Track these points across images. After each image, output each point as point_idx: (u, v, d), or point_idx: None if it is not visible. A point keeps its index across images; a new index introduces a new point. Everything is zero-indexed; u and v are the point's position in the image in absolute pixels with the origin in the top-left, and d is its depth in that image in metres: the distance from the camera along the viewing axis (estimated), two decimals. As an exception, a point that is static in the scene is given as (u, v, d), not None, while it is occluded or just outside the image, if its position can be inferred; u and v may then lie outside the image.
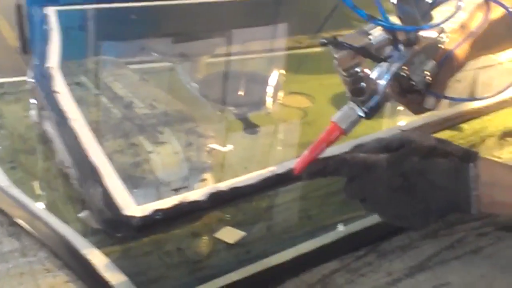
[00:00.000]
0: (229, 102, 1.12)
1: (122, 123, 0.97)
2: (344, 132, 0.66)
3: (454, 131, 1.00)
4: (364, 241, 0.73)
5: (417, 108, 0.76)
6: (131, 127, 0.95)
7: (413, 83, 0.70)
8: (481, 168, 0.61)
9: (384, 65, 0.68)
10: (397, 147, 0.64)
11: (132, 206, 0.72)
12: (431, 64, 0.72)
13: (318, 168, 0.65)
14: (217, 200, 0.73)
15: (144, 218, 0.70)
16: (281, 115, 1.14)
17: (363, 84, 0.65)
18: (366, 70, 0.66)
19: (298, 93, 1.22)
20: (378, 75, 0.67)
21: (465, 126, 1.04)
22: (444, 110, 0.83)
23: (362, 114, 0.66)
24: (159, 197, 0.76)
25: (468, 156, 0.63)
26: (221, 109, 1.10)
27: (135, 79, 1.16)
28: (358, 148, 0.67)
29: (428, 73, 0.72)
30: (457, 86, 0.77)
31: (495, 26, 0.75)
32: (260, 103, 1.13)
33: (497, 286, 0.67)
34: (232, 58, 1.39)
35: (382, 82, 0.66)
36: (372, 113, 0.66)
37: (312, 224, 0.78)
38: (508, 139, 1.00)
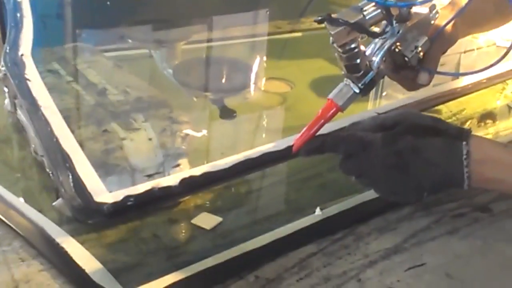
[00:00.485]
0: (205, 88, 1.12)
1: (95, 110, 0.96)
2: (341, 109, 0.68)
3: (432, 113, 1.02)
4: (342, 224, 0.74)
5: (410, 84, 0.79)
6: (104, 114, 0.94)
7: (406, 59, 0.72)
8: (473, 145, 0.63)
9: (378, 41, 0.70)
10: (392, 125, 0.66)
11: (103, 193, 0.72)
12: (423, 40, 0.74)
13: (316, 145, 0.67)
14: (190, 185, 0.74)
15: (115, 204, 0.70)
16: (259, 100, 1.14)
17: (358, 60, 0.67)
18: (362, 47, 0.67)
19: (277, 78, 1.22)
20: (372, 51, 0.69)
21: (443, 108, 1.05)
22: (420, 92, 0.84)
23: (357, 90, 0.68)
24: (133, 184, 0.76)
25: (461, 134, 0.65)
26: (197, 95, 1.10)
27: (110, 66, 1.15)
28: (354, 125, 0.69)
29: (421, 49, 0.73)
30: (441, 69, 0.79)
31: (483, 4, 0.79)
32: (238, 89, 1.13)
33: (473, 266, 0.68)
34: (210, 44, 1.38)
35: (376, 59, 0.68)
36: (367, 89, 0.68)
37: (290, 209, 0.79)
38: (488, 121, 1.02)
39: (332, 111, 0.68)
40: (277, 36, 1.48)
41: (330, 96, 0.68)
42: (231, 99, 1.09)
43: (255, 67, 1.25)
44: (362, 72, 0.67)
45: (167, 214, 0.76)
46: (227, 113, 1.01)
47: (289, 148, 0.76)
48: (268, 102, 1.13)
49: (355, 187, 0.83)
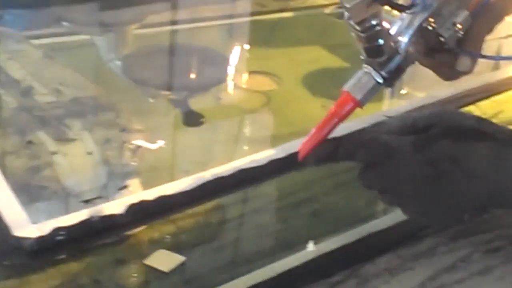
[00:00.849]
0: (164, 85, 1.13)
1: (17, 115, 0.96)
2: (360, 104, 0.68)
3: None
4: (341, 263, 0.74)
5: (448, 72, 0.79)
6: (29, 120, 0.94)
7: (442, 39, 0.72)
8: None
9: (406, 17, 0.70)
10: (426, 127, 0.67)
11: (25, 225, 0.72)
12: (463, 14, 0.74)
13: (328, 151, 0.67)
14: (140, 214, 0.74)
15: (41, 239, 0.70)
16: (236, 101, 1.14)
17: (381, 41, 0.67)
18: (385, 24, 0.67)
19: (260, 72, 1.23)
20: (399, 30, 0.69)
21: (473, 109, 1.06)
22: (442, 90, 0.85)
23: (380, 79, 0.68)
24: (67, 213, 0.76)
25: None
26: (153, 94, 1.10)
27: (38, 56, 1.15)
28: (377, 127, 0.71)
29: (460, 26, 0.74)
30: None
31: None
32: (206, 86, 1.14)
33: (511, 316, 0.69)
34: (172, 27, 1.39)
35: (404, 39, 0.68)
36: (393, 78, 0.68)
37: (274, 244, 0.79)
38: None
39: (348, 107, 0.68)
40: (260, 17, 1.49)
41: (346, 87, 0.68)
42: (199, 100, 1.10)
43: (231, 58, 1.26)
44: (386, 56, 0.68)
45: (112, 253, 0.75)
46: (192, 118, 1.02)
47: (272, 163, 0.77)
48: (247, 104, 1.14)
49: (359, 215, 0.84)
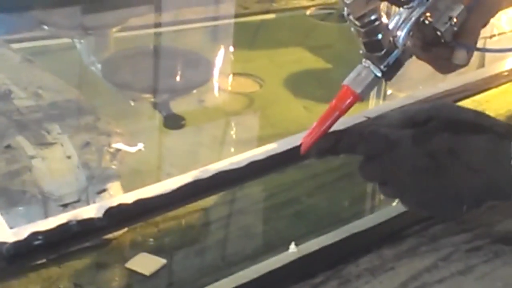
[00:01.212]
0: (145, 88, 1.12)
1: (-6, 119, 0.96)
2: (360, 97, 0.69)
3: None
4: (323, 264, 0.74)
5: (445, 65, 0.80)
6: (8, 124, 0.93)
7: (439, 33, 0.74)
8: None
9: (403, 12, 0.72)
10: (425, 120, 0.68)
11: (2, 229, 0.71)
12: (459, 9, 0.75)
13: (329, 144, 0.68)
14: (119, 217, 0.73)
15: (18, 244, 0.69)
16: (218, 103, 1.14)
17: (379, 36, 0.68)
18: (384, 19, 0.69)
19: (242, 74, 1.23)
20: (397, 24, 0.71)
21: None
22: (424, 89, 0.86)
23: (379, 73, 0.69)
24: (46, 217, 0.75)
25: (510, 132, 0.67)
26: (134, 97, 1.10)
27: (17, 60, 1.14)
28: (377, 120, 0.72)
29: (456, 20, 0.75)
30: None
31: None
32: (188, 89, 1.14)
33: (492, 315, 0.69)
34: (154, 30, 1.39)
35: (401, 33, 0.70)
36: (392, 72, 0.70)
37: (256, 245, 0.79)
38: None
39: (348, 101, 0.69)
40: (243, 19, 1.49)
41: (346, 82, 0.70)
42: (180, 103, 1.10)
43: (213, 60, 1.26)
44: (384, 50, 0.69)
45: (93, 257, 0.75)
46: (173, 121, 1.01)
47: (252, 165, 0.77)
48: (229, 106, 1.14)
49: (341, 216, 0.85)
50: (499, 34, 1.32)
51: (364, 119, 0.83)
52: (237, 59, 1.29)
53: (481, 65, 1.20)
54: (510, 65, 1.13)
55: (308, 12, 1.52)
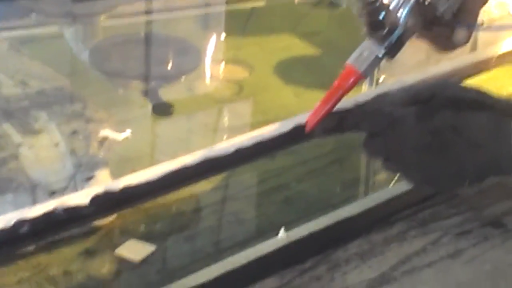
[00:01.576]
0: (133, 75, 1.12)
1: (-19, 107, 0.95)
2: (363, 76, 0.70)
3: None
4: (312, 249, 0.75)
5: (446, 44, 0.80)
6: (-6, 112, 0.94)
7: (439, 12, 0.74)
8: None
9: None
10: (428, 98, 0.69)
11: (-12, 217, 0.71)
12: None
13: (334, 123, 0.70)
14: (105, 204, 0.73)
15: (4, 232, 0.69)
16: (207, 90, 1.14)
17: (381, 15, 0.70)
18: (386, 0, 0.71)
19: (232, 61, 1.23)
20: (398, 4, 0.72)
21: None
22: (413, 73, 0.86)
23: (381, 52, 0.71)
24: (34, 204, 0.75)
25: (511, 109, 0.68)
26: (121, 84, 1.10)
27: (4, 49, 1.14)
28: (380, 98, 0.72)
29: None
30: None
31: None
32: (176, 76, 1.13)
33: (481, 298, 0.70)
34: (143, 18, 1.38)
35: (403, 13, 0.71)
36: (394, 50, 0.71)
37: (246, 231, 0.80)
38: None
39: (352, 79, 0.70)
40: (233, 6, 1.48)
41: (349, 61, 0.71)
42: (169, 90, 1.09)
43: (202, 48, 1.25)
44: (386, 29, 0.71)
45: (83, 243, 0.75)
46: (162, 108, 1.01)
47: (239, 152, 0.77)
48: (219, 93, 1.14)
49: (330, 201, 0.85)
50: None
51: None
52: (227, 46, 1.29)
53: (474, 48, 1.21)
54: (500, 49, 1.13)
55: (297, -1, 1.52)
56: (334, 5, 1.47)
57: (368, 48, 0.71)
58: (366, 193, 0.93)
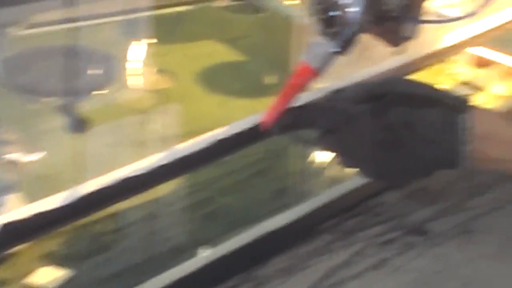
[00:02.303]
0: (47, 91, 1.09)
1: None
2: (317, 72, 0.71)
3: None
4: (236, 267, 0.74)
5: (395, 38, 0.82)
6: None
7: (389, 7, 0.76)
8: (474, 119, 0.68)
9: None
10: (381, 94, 0.71)
11: None
12: None
13: (289, 120, 0.71)
14: (15, 233, 0.70)
15: None
16: (128, 102, 1.12)
17: (333, 12, 0.71)
18: None
19: (154, 69, 1.21)
20: (349, 0, 0.73)
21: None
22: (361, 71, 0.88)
23: (334, 49, 0.72)
24: None
25: (458, 104, 0.70)
26: (35, 101, 1.07)
27: None
28: (336, 94, 0.75)
29: None
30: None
31: None
32: (94, 88, 1.11)
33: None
34: (61, 27, 1.34)
35: (354, 9, 0.72)
36: (346, 46, 0.72)
37: (166, 251, 0.78)
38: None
39: (306, 77, 0.71)
40: (154, 12, 1.46)
41: (303, 58, 0.72)
42: (86, 105, 1.06)
43: (122, 57, 1.23)
44: (339, 26, 0.72)
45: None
46: (78, 125, 0.98)
47: (160, 169, 0.75)
48: (140, 104, 1.11)
49: (255, 215, 0.84)
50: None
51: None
52: (150, 54, 1.26)
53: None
54: (430, 48, 1.14)
55: (221, 4, 1.50)
56: (257, 10, 1.46)
57: (321, 45, 0.72)
58: (291, 204, 0.93)
